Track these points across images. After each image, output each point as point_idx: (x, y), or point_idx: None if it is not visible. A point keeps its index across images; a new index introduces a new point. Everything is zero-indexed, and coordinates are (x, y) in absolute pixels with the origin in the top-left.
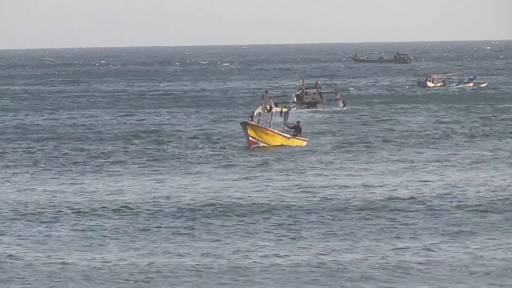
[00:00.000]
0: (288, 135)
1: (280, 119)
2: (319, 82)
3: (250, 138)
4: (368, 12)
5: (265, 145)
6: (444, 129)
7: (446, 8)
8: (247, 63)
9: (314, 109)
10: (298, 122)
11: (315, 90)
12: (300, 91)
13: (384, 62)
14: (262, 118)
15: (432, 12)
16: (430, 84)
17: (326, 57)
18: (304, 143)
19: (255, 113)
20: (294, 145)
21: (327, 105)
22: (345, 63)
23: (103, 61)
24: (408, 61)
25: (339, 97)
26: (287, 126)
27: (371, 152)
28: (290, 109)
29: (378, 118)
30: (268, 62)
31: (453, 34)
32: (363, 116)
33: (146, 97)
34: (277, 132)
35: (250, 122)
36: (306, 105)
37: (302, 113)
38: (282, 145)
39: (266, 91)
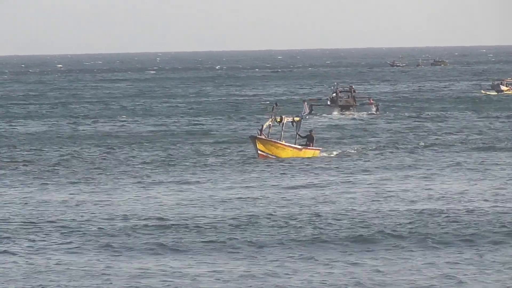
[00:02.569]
0: (299, 146)
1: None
2: (353, 86)
3: (259, 152)
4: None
5: (275, 157)
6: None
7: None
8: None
9: (347, 112)
10: (310, 131)
11: (349, 94)
12: (335, 94)
13: (421, 66)
14: (271, 131)
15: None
16: (504, 87)
17: (368, 62)
18: (317, 153)
19: (264, 126)
20: (306, 156)
21: (360, 109)
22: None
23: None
24: (443, 66)
25: (371, 101)
26: (299, 135)
27: (388, 159)
28: (302, 118)
29: (411, 123)
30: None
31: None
32: (394, 122)
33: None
34: (288, 144)
35: (259, 136)
36: (339, 108)
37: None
38: (294, 157)
39: (276, 103)
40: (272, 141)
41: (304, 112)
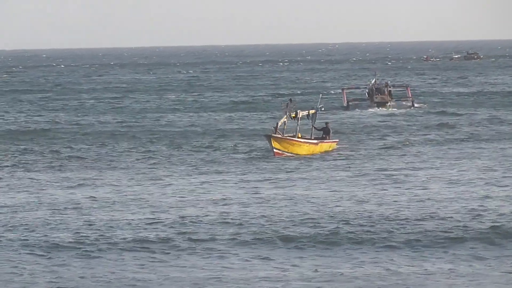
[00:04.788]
0: (315, 141)
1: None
2: (389, 83)
3: (275, 150)
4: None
5: (291, 155)
6: None
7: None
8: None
9: (383, 108)
10: (326, 123)
11: (385, 90)
12: (370, 89)
13: (455, 61)
14: (286, 127)
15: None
16: None
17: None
18: (334, 145)
19: (279, 124)
20: (323, 150)
21: (396, 104)
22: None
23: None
24: (478, 59)
25: (409, 92)
26: (315, 128)
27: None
28: (318, 110)
29: (446, 119)
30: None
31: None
32: (428, 117)
33: None
34: (303, 140)
35: (274, 134)
36: (376, 105)
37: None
38: (310, 153)
39: (290, 99)
40: (287, 138)
41: (343, 102)
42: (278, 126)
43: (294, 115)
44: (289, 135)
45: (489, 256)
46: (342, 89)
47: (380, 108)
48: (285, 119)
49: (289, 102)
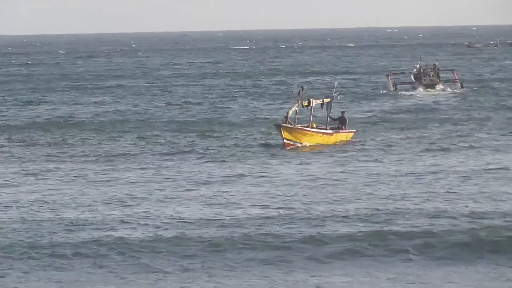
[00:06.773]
0: (330, 131)
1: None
2: (437, 64)
3: (285, 141)
4: None
5: (304, 145)
6: None
7: None
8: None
9: (432, 90)
10: (342, 112)
11: (433, 72)
12: (416, 70)
13: (499, 47)
14: (298, 117)
15: None
16: None
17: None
18: (350, 136)
19: (290, 113)
20: (339, 141)
21: (445, 86)
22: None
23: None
24: None
25: (456, 76)
26: (330, 117)
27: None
28: (333, 99)
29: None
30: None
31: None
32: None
33: None
34: (316, 130)
35: (284, 124)
36: (424, 87)
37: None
38: (324, 144)
39: (302, 87)
40: (299, 128)
41: (389, 88)
42: (289, 115)
43: (306, 104)
44: (303, 125)
45: None
46: (387, 75)
47: (429, 90)
48: (296, 108)
49: (301, 89)
